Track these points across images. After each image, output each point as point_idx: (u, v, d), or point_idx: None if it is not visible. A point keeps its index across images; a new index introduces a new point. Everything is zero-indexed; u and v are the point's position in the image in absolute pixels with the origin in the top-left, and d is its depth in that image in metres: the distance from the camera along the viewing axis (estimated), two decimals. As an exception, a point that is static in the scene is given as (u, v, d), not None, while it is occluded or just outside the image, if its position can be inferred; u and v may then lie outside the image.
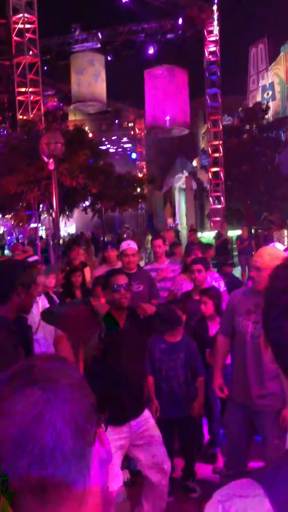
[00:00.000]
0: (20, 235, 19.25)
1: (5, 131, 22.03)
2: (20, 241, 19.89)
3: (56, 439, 0.74)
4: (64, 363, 0.86)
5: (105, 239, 23.33)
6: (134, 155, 40.93)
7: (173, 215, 32.65)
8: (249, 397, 3.45)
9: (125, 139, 42.59)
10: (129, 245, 5.58)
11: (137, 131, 40.63)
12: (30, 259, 3.72)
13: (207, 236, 23.97)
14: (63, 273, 6.87)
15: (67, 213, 19.92)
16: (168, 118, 28.12)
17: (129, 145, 42.50)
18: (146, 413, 3.57)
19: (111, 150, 33.41)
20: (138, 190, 23.65)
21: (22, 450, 0.73)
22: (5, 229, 26.73)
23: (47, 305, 3.82)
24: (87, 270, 7.75)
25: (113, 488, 3.31)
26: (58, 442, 0.74)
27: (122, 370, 3.37)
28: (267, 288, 0.94)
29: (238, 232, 20.28)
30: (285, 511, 0.79)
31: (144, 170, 37.77)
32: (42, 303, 3.76)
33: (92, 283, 4.64)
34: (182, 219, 30.75)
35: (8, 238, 25.84)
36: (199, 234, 23.04)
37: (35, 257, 3.86)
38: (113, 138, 41.03)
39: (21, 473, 0.73)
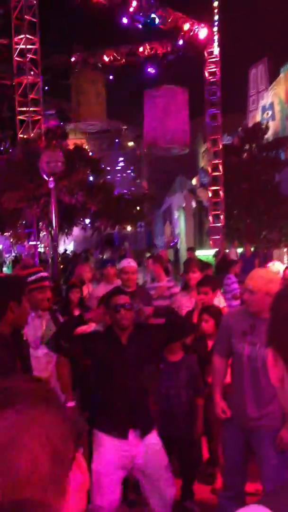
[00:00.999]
0: (23, 253, 19.22)
1: (7, 145, 22.15)
2: (23, 256, 19.84)
3: (32, 463, 0.73)
4: (43, 386, 0.84)
5: (104, 256, 23.33)
6: (133, 174, 41.16)
7: (173, 234, 32.69)
8: (247, 417, 3.42)
9: (125, 158, 42.86)
10: (129, 263, 5.60)
11: (137, 150, 40.92)
12: (39, 274, 3.73)
13: (207, 254, 23.96)
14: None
15: (66, 230, 19.95)
16: (168, 137, 28.32)
17: (129, 164, 42.75)
18: (154, 437, 3.51)
19: (111, 169, 33.51)
20: (138, 208, 23.72)
21: None
22: (3, 247, 26.69)
23: (52, 325, 3.82)
24: (85, 287, 7.72)
25: (104, 504, 3.27)
26: (34, 466, 0.73)
27: (120, 385, 3.36)
28: (272, 309, 0.93)
29: (238, 250, 20.30)
30: None
31: (144, 188, 37.94)
32: (47, 321, 3.76)
33: (98, 303, 4.66)
34: (181, 237, 30.78)
35: (7, 256, 25.79)
36: (198, 252, 23.05)
37: (43, 273, 3.87)
38: (113, 156, 41.29)
39: None
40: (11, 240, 20.07)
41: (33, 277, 3.75)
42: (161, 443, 3.55)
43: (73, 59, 28.62)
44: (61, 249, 26.04)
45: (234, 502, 3.32)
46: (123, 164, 42.34)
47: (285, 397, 0.89)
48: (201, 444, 4.81)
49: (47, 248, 21.55)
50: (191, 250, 15.78)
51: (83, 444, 0.85)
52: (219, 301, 5.42)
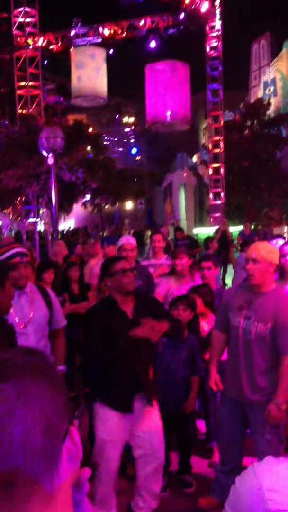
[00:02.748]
0: (22, 230, 19.21)
1: (6, 122, 21.95)
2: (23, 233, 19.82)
3: (26, 435, 0.74)
4: (41, 358, 0.85)
5: (104, 234, 23.30)
6: (134, 150, 40.85)
7: (173, 211, 32.63)
8: (241, 391, 3.47)
9: (125, 134, 42.50)
10: (128, 240, 5.56)
11: (137, 126, 40.58)
12: (11, 252, 3.61)
13: (207, 232, 23.96)
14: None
15: (66, 208, 19.90)
16: (169, 113, 28.05)
17: (130, 140, 42.41)
18: (155, 410, 3.56)
19: (111, 145, 33.28)
20: (137, 183, 23.63)
21: None
22: (2, 223, 26.65)
23: (41, 300, 3.77)
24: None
25: (107, 469, 3.36)
26: (28, 438, 0.74)
27: (127, 359, 3.37)
28: None
29: (239, 227, 20.28)
30: None
31: (145, 165, 37.73)
32: (35, 297, 3.71)
33: (99, 279, 4.62)
34: (182, 215, 30.72)
35: (5, 232, 25.79)
36: (198, 230, 23.04)
37: (18, 249, 3.74)
38: (113, 133, 40.94)
39: None
40: (11, 217, 20.03)
41: (6, 255, 3.63)
42: (159, 416, 3.60)
43: (72, 33, 28.17)
44: (62, 227, 26.03)
45: (231, 476, 3.37)
46: (123, 140, 42.02)
47: None
48: (197, 419, 4.88)
49: (47, 225, 21.53)
50: (180, 230, 15.70)
51: (79, 416, 0.86)
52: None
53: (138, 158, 40.00)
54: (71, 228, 31.14)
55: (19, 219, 19.43)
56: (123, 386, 3.41)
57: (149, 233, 16.62)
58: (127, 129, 42.34)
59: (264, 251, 3.45)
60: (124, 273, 3.43)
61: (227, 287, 10.51)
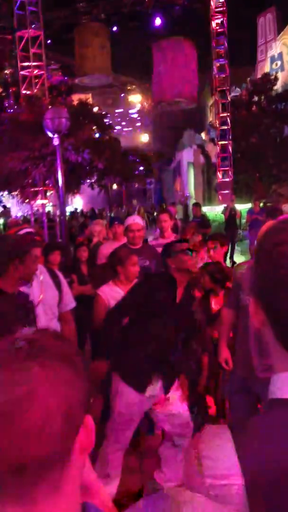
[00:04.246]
0: (30, 212, 19.24)
1: (11, 102, 21.81)
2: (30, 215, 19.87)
3: (45, 421, 0.73)
4: (68, 344, 0.85)
5: (112, 214, 23.27)
6: (140, 130, 40.57)
7: (182, 189, 32.47)
8: (251, 369, 3.49)
9: (131, 113, 42.15)
10: (134, 220, 5.55)
11: (144, 104, 40.18)
12: (22, 231, 3.67)
13: (215, 210, 23.83)
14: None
15: (73, 189, 19.84)
16: (176, 91, 27.76)
17: (136, 119, 42.08)
18: (175, 389, 3.62)
19: (117, 126, 33.02)
20: (145, 165, 23.46)
21: (7, 424, 0.71)
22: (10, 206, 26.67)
23: (50, 281, 3.78)
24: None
25: (121, 440, 3.39)
26: (47, 424, 0.73)
27: (162, 341, 3.42)
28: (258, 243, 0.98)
29: (247, 206, 20.15)
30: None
31: (151, 144, 37.46)
32: (44, 278, 3.72)
33: (109, 259, 4.60)
34: (190, 193, 30.57)
35: (15, 215, 25.83)
36: (207, 208, 22.92)
37: (28, 229, 3.81)
38: (119, 112, 40.61)
39: (1, 447, 0.71)
40: (19, 199, 20.03)
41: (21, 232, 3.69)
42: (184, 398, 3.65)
43: (75, 11, 27.84)
44: (70, 208, 26.01)
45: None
46: (129, 120, 41.71)
47: (268, 338, 0.95)
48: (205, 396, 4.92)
49: (55, 207, 21.52)
50: (197, 206, 15.53)
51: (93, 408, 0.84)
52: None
53: (145, 137, 39.70)
54: (78, 210, 31.16)
55: (26, 201, 19.41)
56: (146, 366, 3.44)
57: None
58: (132, 110, 41.95)
59: None
60: (190, 253, 3.47)
61: (235, 265, 10.50)
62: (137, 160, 22.55)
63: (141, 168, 23.13)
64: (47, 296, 3.69)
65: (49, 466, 0.74)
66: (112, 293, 4.24)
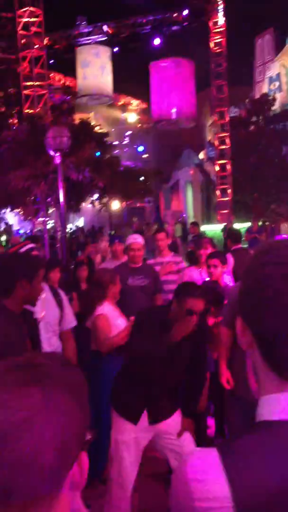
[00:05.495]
0: (32, 229, 19.33)
1: (14, 124, 22.02)
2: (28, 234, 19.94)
3: (38, 451, 0.70)
4: (76, 375, 0.82)
5: (113, 232, 23.34)
6: (141, 148, 40.83)
7: (180, 208, 32.59)
8: (249, 389, 3.48)
9: (131, 132, 42.49)
10: (136, 239, 5.59)
11: (143, 124, 40.52)
12: (25, 248, 3.69)
13: (214, 229, 23.93)
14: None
15: (74, 207, 19.96)
16: (174, 110, 28.02)
17: (135, 138, 42.39)
18: (177, 415, 3.45)
19: (117, 143, 33.33)
20: (145, 182, 23.64)
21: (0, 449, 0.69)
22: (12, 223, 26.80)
23: (51, 299, 3.82)
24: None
25: (124, 478, 3.31)
26: (39, 455, 0.70)
27: (167, 380, 3.29)
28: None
29: (246, 224, 20.27)
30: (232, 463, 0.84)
31: (151, 163, 37.72)
32: (46, 296, 3.75)
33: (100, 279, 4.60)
34: (189, 212, 30.70)
35: (16, 232, 25.91)
36: (206, 227, 23.02)
37: (30, 245, 3.82)
38: (119, 131, 40.93)
39: None
40: (22, 217, 20.15)
41: (22, 250, 3.71)
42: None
43: (77, 31, 28.24)
44: (71, 226, 26.10)
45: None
46: (129, 139, 42.01)
47: (255, 359, 0.98)
48: (206, 416, 4.91)
49: (56, 224, 21.62)
50: (194, 225, 15.60)
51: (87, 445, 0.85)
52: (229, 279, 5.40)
53: (145, 156, 39.96)
54: (79, 226, 31.25)
55: (29, 218, 19.52)
56: (142, 405, 3.28)
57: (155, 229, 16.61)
58: (132, 127, 42.27)
59: None
60: (193, 314, 3.14)
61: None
62: (137, 178, 22.73)
63: (141, 186, 23.30)
64: (48, 314, 3.70)
65: (36, 499, 0.71)
66: (112, 313, 4.22)
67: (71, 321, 3.97)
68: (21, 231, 26.26)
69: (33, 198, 18.07)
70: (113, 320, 4.14)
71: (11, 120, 22.48)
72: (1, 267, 2.89)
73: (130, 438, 3.28)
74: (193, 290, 3.21)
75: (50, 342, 3.68)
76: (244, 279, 0.97)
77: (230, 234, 8.00)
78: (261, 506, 0.80)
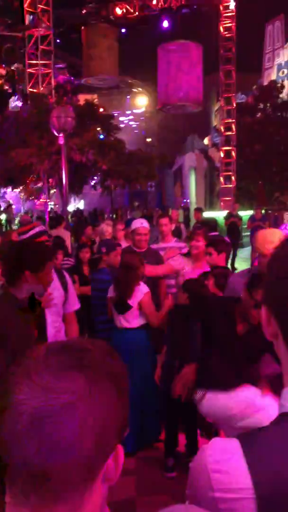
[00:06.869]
0: (32, 210, 19.25)
1: (16, 99, 21.80)
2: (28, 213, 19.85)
3: (79, 436, 0.69)
4: (119, 365, 0.80)
5: (114, 216, 23.25)
6: (145, 132, 40.58)
7: (183, 194, 32.46)
8: None
9: (136, 115, 42.17)
10: (142, 224, 5.53)
11: (149, 107, 40.19)
12: (34, 231, 3.65)
13: (217, 215, 23.82)
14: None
15: (76, 189, 19.85)
16: (181, 94, 27.76)
17: (140, 121, 42.09)
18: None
19: (122, 126, 33.13)
20: (148, 167, 23.45)
21: (39, 430, 0.68)
22: (13, 203, 26.64)
23: (57, 281, 3.78)
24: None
25: None
26: (78, 441, 0.69)
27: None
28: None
29: (249, 212, 20.17)
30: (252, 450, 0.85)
31: (155, 147, 37.49)
32: (52, 278, 3.70)
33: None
34: (192, 198, 30.56)
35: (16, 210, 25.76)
36: (208, 213, 22.91)
37: (40, 228, 3.78)
38: (125, 114, 40.63)
39: (27, 455, 0.67)
40: (22, 196, 20.04)
41: (31, 233, 3.68)
42: None
43: (84, 11, 27.84)
44: (72, 207, 26.02)
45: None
46: (134, 122, 41.73)
47: (280, 350, 0.94)
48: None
49: (57, 206, 21.54)
50: (198, 211, 15.47)
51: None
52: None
53: (149, 140, 39.69)
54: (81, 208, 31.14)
55: (30, 198, 19.42)
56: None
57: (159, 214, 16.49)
58: (138, 111, 41.94)
59: (268, 243, 3.45)
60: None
61: (236, 271, 10.50)
62: (141, 162, 22.55)
63: (144, 170, 23.12)
64: (54, 296, 3.68)
65: (71, 485, 0.69)
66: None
67: (75, 303, 3.94)
68: (22, 212, 26.14)
69: (35, 178, 17.94)
70: None
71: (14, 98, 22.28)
72: (10, 256, 2.87)
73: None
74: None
75: (54, 324, 3.64)
76: (271, 267, 0.95)
77: (206, 223, 8.28)
78: (283, 497, 0.80)
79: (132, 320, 4.59)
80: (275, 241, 3.42)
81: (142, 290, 4.56)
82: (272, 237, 3.54)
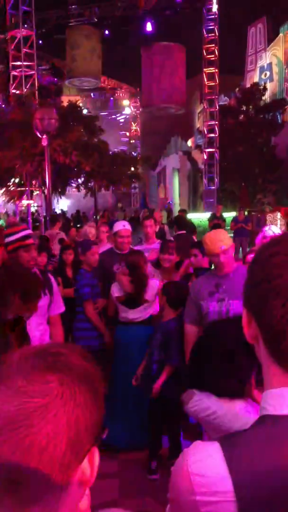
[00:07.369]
0: (15, 211, 19.11)
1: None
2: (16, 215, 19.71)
3: (51, 440, 0.69)
4: (94, 368, 0.80)
5: (97, 217, 23.18)
6: (128, 134, 40.60)
7: (166, 195, 32.51)
8: None
9: (120, 117, 42.16)
10: (124, 226, 5.55)
11: (132, 109, 40.22)
12: (19, 234, 3.63)
13: (200, 217, 23.90)
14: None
15: (59, 190, 19.76)
16: (163, 96, 27.82)
17: (124, 123, 42.09)
18: None
19: (105, 128, 33.14)
20: (132, 169, 23.44)
21: (13, 433, 0.68)
22: None
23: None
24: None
25: None
26: (51, 444, 0.69)
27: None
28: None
29: (232, 214, 20.29)
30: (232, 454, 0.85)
31: (138, 149, 37.51)
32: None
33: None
34: (175, 199, 30.63)
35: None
36: (191, 215, 22.99)
37: (27, 231, 3.75)
38: (108, 115, 40.59)
39: (1, 458, 0.68)
40: (4, 198, 19.89)
41: (20, 234, 3.66)
42: None
43: (67, 12, 27.73)
44: (56, 210, 25.87)
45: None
46: (117, 123, 41.69)
47: (260, 353, 0.95)
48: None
49: (40, 208, 21.43)
50: (182, 212, 15.51)
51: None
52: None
53: (132, 141, 39.70)
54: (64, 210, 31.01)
55: (12, 201, 19.27)
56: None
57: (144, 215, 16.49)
58: (121, 112, 41.93)
59: (226, 239, 3.67)
60: None
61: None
62: (124, 163, 22.53)
63: (128, 172, 23.11)
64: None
65: (46, 488, 0.69)
66: None
67: (60, 306, 3.92)
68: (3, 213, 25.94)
69: (17, 180, 17.83)
70: None
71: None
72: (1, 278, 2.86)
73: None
74: None
75: (38, 327, 3.62)
76: (251, 270, 0.96)
77: (176, 221, 8.59)
78: (264, 500, 0.81)
79: (143, 313, 4.78)
80: (223, 239, 3.58)
81: (155, 282, 4.83)
82: (219, 236, 3.67)
